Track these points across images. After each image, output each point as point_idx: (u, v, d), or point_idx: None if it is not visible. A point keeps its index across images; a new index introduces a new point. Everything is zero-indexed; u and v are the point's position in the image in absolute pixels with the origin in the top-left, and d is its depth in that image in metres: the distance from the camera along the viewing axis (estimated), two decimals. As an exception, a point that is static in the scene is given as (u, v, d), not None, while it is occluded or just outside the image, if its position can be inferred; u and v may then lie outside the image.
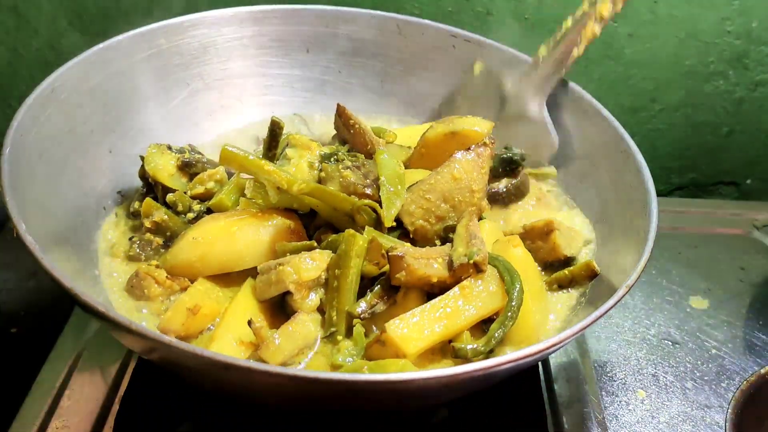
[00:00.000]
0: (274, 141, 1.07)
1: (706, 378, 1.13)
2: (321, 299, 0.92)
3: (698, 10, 1.41)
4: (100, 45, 1.12)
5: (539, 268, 1.04)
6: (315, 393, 0.76)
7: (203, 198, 1.06)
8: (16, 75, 1.54)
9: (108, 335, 1.03)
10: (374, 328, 0.91)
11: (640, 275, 0.86)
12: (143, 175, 1.09)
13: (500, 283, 0.91)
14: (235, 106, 1.29)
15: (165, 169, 1.07)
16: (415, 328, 0.87)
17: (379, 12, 1.29)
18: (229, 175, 1.09)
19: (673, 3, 1.40)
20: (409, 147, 1.13)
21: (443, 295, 0.90)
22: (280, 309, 0.94)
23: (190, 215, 1.04)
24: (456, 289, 0.90)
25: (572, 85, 1.17)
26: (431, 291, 0.92)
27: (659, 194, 1.52)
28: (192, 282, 0.96)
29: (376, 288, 0.92)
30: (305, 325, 0.89)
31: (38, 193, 0.96)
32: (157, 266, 0.98)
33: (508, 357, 0.75)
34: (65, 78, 1.05)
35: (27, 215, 0.87)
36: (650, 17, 1.42)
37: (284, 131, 1.10)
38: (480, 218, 1.01)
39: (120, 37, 1.14)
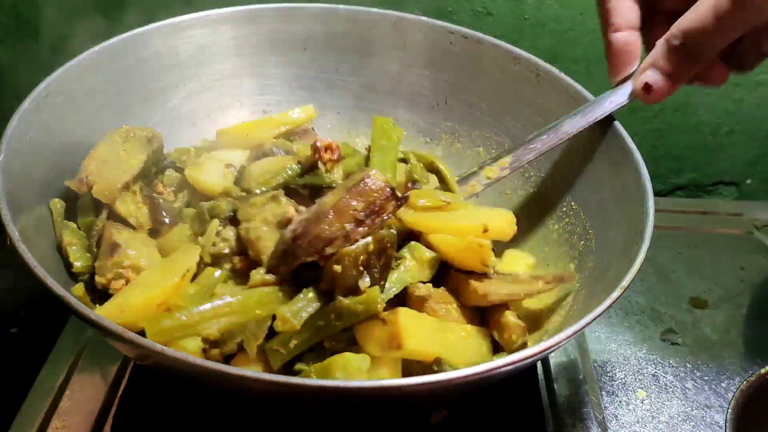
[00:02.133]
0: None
1: (706, 378, 1.13)
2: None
3: (698, 10, 1.41)
4: (95, 48, 1.12)
5: None
6: (307, 399, 0.76)
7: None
8: (16, 75, 1.54)
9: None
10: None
11: (636, 275, 0.86)
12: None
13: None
14: (232, 106, 1.29)
15: None
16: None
17: (375, 9, 1.29)
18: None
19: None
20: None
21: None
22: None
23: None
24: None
25: (571, 82, 1.17)
26: None
27: (659, 194, 1.52)
28: None
29: None
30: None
31: (33, 199, 0.96)
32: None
33: (506, 360, 0.75)
34: (60, 82, 1.05)
35: (22, 222, 0.87)
36: (650, 17, 1.42)
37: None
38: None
39: (116, 39, 1.14)
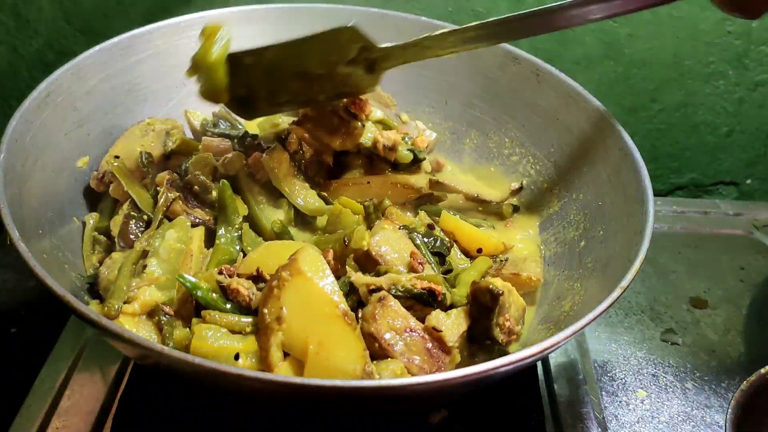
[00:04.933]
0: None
1: (706, 378, 1.13)
2: None
3: (698, 10, 1.41)
4: (96, 48, 1.12)
5: None
6: (307, 398, 0.76)
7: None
8: (16, 75, 1.54)
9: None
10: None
11: (636, 275, 0.86)
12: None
13: None
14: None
15: None
16: None
17: (375, 9, 1.29)
18: None
19: (673, 3, 1.40)
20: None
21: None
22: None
23: None
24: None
25: (571, 82, 1.17)
26: None
27: (659, 194, 1.52)
28: None
29: None
30: None
31: (33, 198, 0.96)
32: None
33: (506, 359, 0.75)
34: (61, 81, 1.05)
35: (22, 221, 0.87)
36: (650, 17, 1.42)
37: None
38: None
39: (116, 39, 1.15)
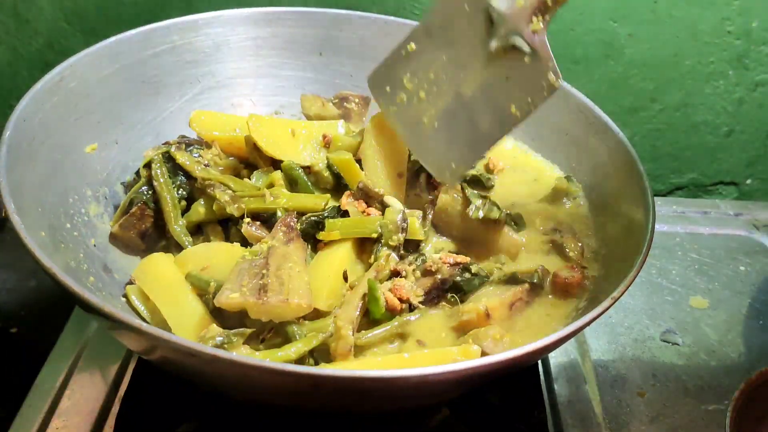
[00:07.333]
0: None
1: (706, 378, 1.13)
2: None
3: (698, 10, 1.41)
4: (113, 38, 1.13)
5: None
6: (311, 389, 0.76)
7: None
8: (16, 75, 1.54)
9: (108, 335, 1.03)
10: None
11: (636, 276, 0.86)
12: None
13: None
14: (245, 105, 1.29)
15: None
16: None
17: (393, 18, 1.30)
18: None
19: (673, 3, 1.40)
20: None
21: None
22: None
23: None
24: None
25: (567, 86, 1.16)
26: None
27: (659, 194, 1.52)
28: None
29: None
30: None
31: (37, 176, 0.96)
32: None
33: (504, 356, 0.76)
34: (75, 68, 1.06)
35: (22, 198, 0.87)
36: (650, 17, 1.42)
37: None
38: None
39: (134, 31, 1.16)
